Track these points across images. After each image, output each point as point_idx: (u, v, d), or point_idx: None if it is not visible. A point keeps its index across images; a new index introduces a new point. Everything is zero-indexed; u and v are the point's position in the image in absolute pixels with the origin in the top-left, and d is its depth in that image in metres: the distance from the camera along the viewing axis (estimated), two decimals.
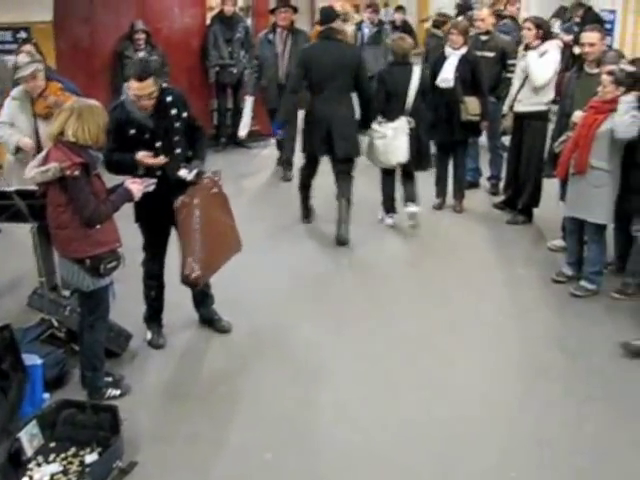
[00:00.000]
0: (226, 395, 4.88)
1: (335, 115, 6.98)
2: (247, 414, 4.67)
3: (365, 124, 7.24)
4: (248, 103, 8.80)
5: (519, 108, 7.41)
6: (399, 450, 4.31)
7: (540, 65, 7.14)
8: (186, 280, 4.95)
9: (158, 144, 4.98)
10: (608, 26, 11.55)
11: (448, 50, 7.72)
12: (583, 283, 6.10)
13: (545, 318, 5.87)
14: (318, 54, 7.05)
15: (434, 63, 7.94)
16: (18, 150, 5.67)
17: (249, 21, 10.55)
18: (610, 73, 5.81)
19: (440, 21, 10.34)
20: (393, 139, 7.14)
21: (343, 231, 7.16)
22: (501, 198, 8.19)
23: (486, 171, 8.84)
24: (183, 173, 4.99)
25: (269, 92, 8.97)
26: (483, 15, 8.55)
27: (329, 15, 7.23)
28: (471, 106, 7.63)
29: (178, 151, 5.06)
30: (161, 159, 4.94)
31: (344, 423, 4.56)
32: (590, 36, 6.45)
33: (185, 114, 5.09)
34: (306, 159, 7.47)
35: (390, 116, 7.20)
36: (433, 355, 5.31)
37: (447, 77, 7.62)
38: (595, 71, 6.29)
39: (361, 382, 4.98)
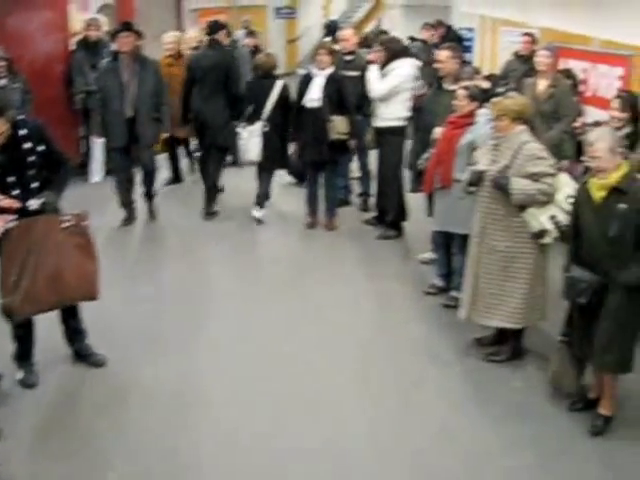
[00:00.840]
0: (105, 430, 4.75)
1: (207, 109, 8.31)
2: (127, 447, 4.57)
3: (233, 117, 8.43)
4: (97, 146, 8.47)
5: (376, 123, 7.67)
6: (284, 472, 4.32)
7: (376, 79, 7.48)
8: (2, 309, 4.84)
9: (11, 179, 4.84)
10: (468, 43, 12.05)
11: (314, 70, 7.86)
12: (453, 293, 6.30)
13: (418, 330, 6.04)
14: (200, 58, 8.56)
15: (300, 83, 8.08)
16: None
17: (114, 45, 10.37)
18: (465, 88, 6.06)
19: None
20: (248, 140, 8.17)
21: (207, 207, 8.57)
22: (372, 214, 8.39)
23: (357, 188, 9.06)
24: (30, 202, 4.85)
25: (113, 128, 8.03)
26: (347, 35, 8.74)
27: (214, 27, 8.83)
28: (339, 125, 7.80)
29: (34, 185, 4.91)
30: (13, 203, 4.78)
31: (227, 449, 4.54)
32: (440, 54, 6.83)
33: (42, 147, 4.93)
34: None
35: (251, 120, 8.19)
36: (308, 373, 5.35)
37: (314, 97, 7.76)
38: (452, 87, 6.55)
39: (240, 406, 4.97)
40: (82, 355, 5.47)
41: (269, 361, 5.51)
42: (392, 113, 7.51)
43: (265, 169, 8.39)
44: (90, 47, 9.82)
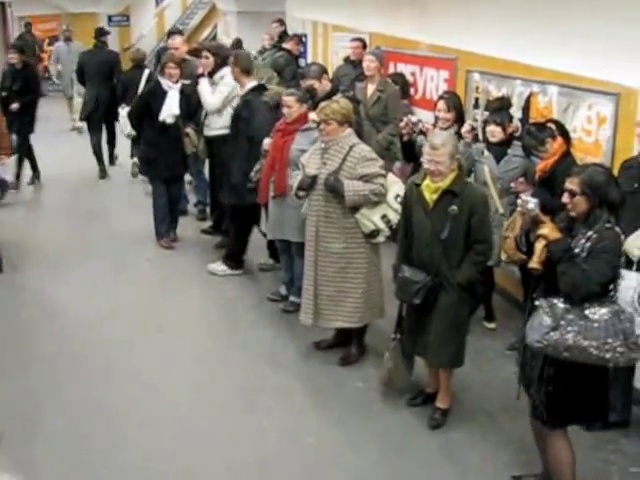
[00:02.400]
0: None
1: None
2: None
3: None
4: None
5: (207, 133, 7.59)
6: None
7: (208, 93, 7.46)
8: None
9: None
10: (301, 48, 12.14)
11: (166, 84, 7.62)
12: (292, 298, 6.31)
13: (259, 336, 6.02)
14: (89, 57, 11.27)
15: (147, 97, 7.81)
16: None
17: None
18: (292, 94, 6.08)
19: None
20: (125, 117, 9.00)
21: None
22: (209, 223, 8.31)
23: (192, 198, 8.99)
24: None
25: None
26: (177, 44, 8.60)
27: (100, 32, 11.77)
28: (194, 138, 7.67)
29: None
30: None
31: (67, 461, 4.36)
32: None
33: None
34: None
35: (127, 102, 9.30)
36: (149, 389, 5.23)
37: (173, 112, 7.57)
38: None
39: (82, 429, 4.76)
40: None
41: (113, 380, 5.34)
42: (224, 122, 7.38)
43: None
44: None
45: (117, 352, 5.73)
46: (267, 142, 6.27)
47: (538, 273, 3.83)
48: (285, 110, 6.08)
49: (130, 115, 8.04)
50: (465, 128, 5.98)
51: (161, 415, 4.92)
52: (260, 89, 6.89)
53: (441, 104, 6.18)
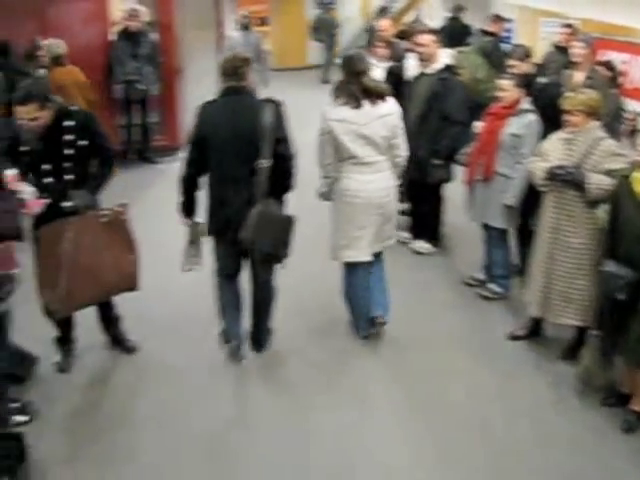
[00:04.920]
0: (135, 415, 4.86)
1: None
2: (159, 431, 4.67)
3: None
4: None
5: None
6: None
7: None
8: (42, 309, 4.93)
9: (46, 167, 4.86)
10: (507, 34, 11.94)
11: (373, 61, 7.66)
12: (492, 286, 6.29)
13: (452, 319, 6.04)
14: None
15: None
16: None
17: (155, 36, 10.46)
18: (508, 78, 5.99)
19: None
20: None
21: None
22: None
23: None
24: (64, 203, 4.87)
25: None
26: (385, 25, 8.69)
27: None
28: None
29: (69, 177, 4.90)
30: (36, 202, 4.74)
31: (261, 439, 4.61)
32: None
33: (84, 142, 4.91)
34: None
35: None
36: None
37: None
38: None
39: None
40: (116, 341, 5.56)
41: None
42: None
43: None
44: (130, 37, 9.92)
45: None
46: (478, 125, 6.23)
47: None
48: (500, 93, 6.01)
49: None
50: None
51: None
52: (452, 68, 6.89)
53: None
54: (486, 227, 6.28)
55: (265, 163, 4.82)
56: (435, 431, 4.66)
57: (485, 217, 6.19)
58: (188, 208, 5.12)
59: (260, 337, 5.47)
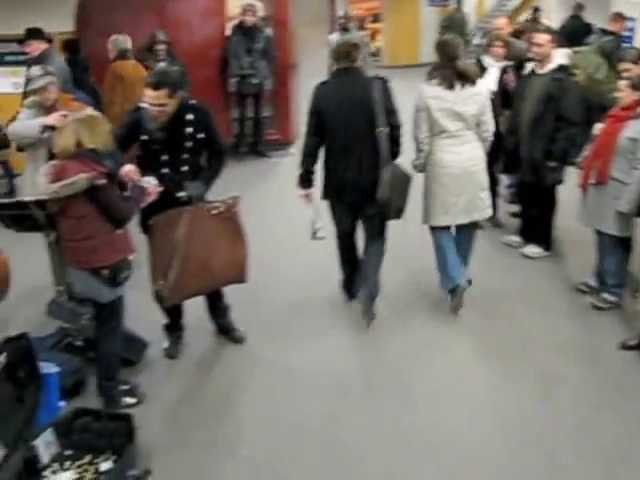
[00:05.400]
0: (240, 404, 4.93)
1: None
2: (262, 423, 4.71)
3: None
4: None
5: None
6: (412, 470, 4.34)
7: None
8: (153, 295, 5.04)
9: (164, 157, 4.99)
10: (628, 33, 11.52)
11: (488, 61, 7.56)
12: (606, 295, 6.05)
13: (561, 326, 5.84)
14: None
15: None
16: (45, 129, 5.55)
17: (269, 31, 10.60)
18: (627, 77, 5.76)
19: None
20: None
21: None
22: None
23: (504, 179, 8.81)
24: (180, 194, 4.99)
25: None
26: (502, 24, 8.52)
27: None
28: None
29: (184, 169, 5.02)
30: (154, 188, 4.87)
31: (362, 435, 4.59)
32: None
33: (202, 135, 5.02)
34: None
35: None
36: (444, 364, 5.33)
37: (489, 88, 7.26)
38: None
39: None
40: (224, 330, 5.66)
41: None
42: None
43: None
44: (246, 32, 10.07)
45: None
46: (598, 127, 6.02)
47: None
48: (616, 94, 5.79)
49: None
50: None
51: (454, 389, 5.03)
52: (567, 68, 6.69)
53: None
54: (599, 233, 6.06)
55: (384, 130, 5.33)
56: (541, 434, 4.53)
57: (597, 223, 5.97)
58: (307, 179, 5.62)
59: (373, 292, 5.83)
